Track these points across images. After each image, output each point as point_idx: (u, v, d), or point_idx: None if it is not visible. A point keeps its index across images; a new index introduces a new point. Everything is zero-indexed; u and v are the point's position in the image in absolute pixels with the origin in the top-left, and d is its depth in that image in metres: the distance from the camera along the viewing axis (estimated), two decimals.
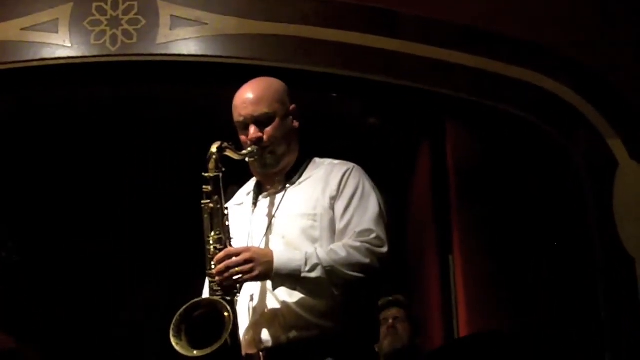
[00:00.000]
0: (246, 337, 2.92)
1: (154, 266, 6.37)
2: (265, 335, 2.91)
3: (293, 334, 2.89)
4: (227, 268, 2.80)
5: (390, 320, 4.63)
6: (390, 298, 4.64)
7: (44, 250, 6.18)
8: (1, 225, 5.98)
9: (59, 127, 5.63)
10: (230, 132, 3.13)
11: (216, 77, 4.41)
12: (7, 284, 4.51)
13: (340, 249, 2.86)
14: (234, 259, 2.80)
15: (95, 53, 4.24)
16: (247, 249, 2.84)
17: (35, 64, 4.28)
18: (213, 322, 2.76)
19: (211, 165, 2.92)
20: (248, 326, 2.94)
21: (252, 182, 3.19)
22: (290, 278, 2.83)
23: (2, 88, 4.55)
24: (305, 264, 2.82)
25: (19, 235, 6.02)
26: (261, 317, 2.93)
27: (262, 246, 2.96)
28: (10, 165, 5.85)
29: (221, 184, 2.92)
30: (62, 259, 6.23)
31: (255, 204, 3.10)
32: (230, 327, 2.75)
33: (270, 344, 2.90)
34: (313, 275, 2.82)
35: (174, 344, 2.74)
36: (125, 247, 6.38)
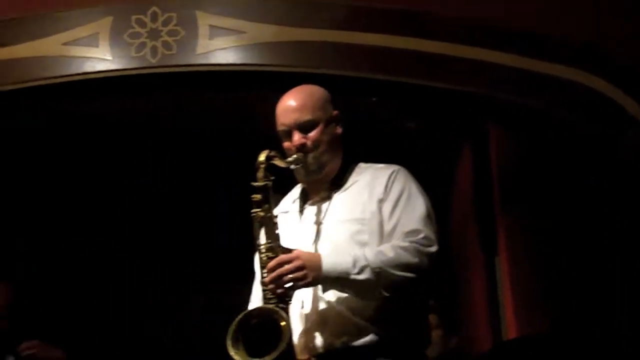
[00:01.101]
0: (298, 343, 2.92)
1: (181, 273, 6.38)
2: (317, 341, 2.92)
3: (345, 339, 2.89)
4: (280, 276, 2.81)
5: None
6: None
7: (65, 260, 6.21)
8: (19, 238, 6.04)
9: (97, 140, 5.66)
10: (272, 140, 3.13)
11: (256, 86, 4.43)
12: (26, 294, 4.55)
13: (389, 250, 2.86)
14: (286, 266, 2.81)
15: (136, 65, 4.27)
16: (297, 256, 2.84)
17: (76, 78, 4.32)
18: (268, 331, 2.77)
19: (260, 174, 2.92)
20: (300, 333, 2.94)
21: (297, 190, 3.19)
22: (339, 281, 2.83)
23: (44, 103, 4.60)
24: (354, 266, 2.82)
25: (37, 247, 6.09)
26: (312, 323, 2.94)
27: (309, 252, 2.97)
28: (38, 177, 5.90)
29: (270, 193, 2.93)
30: (85, 268, 6.25)
31: (301, 211, 3.11)
32: (288, 336, 2.76)
33: (322, 350, 2.91)
34: (362, 277, 2.81)
35: (232, 353, 2.75)
36: (152, 254, 6.39)
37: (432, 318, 4.71)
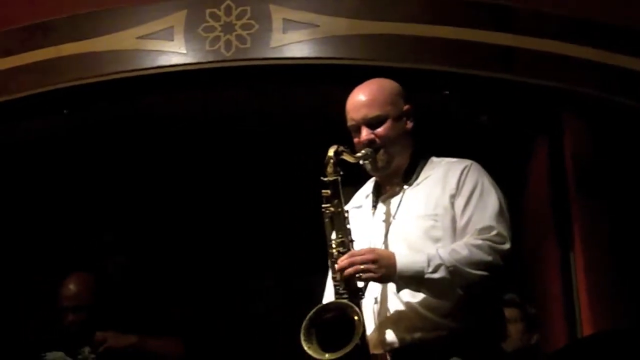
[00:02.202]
0: (372, 338, 2.91)
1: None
2: (390, 336, 2.91)
3: (418, 334, 2.88)
4: (351, 265, 2.81)
5: None
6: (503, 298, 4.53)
7: (153, 257, 6.28)
8: (109, 236, 6.13)
9: (171, 134, 5.70)
10: (345, 134, 3.13)
11: (329, 79, 4.42)
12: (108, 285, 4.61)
13: (462, 248, 2.84)
14: (357, 257, 2.81)
15: (211, 59, 4.30)
16: (370, 250, 2.85)
17: (151, 71, 4.37)
18: (342, 326, 2.78)
19: (329, 169, 2.93)
20: (373, 328, 2.94)
21: (370, 184, 3.19)
22: (413, 280, 2.82)
23: (119, 97, 4.65)
24: (428, 265, 2.81)
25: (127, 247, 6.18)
26: (386, 318, 2.93)
27: (384, 249, 2.96)
28: (120, 173, 5.97)
29: (340, 187, 2.92)
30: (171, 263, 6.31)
31: (374, 206, 3.11)
32: (361, 330, 2.76)
33: (396, 345, 2.91)
34: (437, 276, 2.80)
35: (305, 347, 2.76)
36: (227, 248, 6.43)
37: (514, 312, 4.65)
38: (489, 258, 2.83)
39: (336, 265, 2.86)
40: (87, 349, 4.34)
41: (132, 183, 6.10)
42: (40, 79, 4.48)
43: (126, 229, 6.23)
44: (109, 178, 5.99)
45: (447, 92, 4.65)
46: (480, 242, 2.86)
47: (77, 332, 4.35)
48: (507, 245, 2.89)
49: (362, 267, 2.80)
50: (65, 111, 4.67)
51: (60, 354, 4.35)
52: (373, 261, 2.81)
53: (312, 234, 3.17)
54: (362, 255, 2.82)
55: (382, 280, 2.86)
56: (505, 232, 2.90)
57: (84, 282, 4.42)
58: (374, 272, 2.81)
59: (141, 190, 6.18)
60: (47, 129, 5.14)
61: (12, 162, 5.44)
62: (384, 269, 2.81)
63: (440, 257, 2.82)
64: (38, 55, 4.49)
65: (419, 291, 2.86)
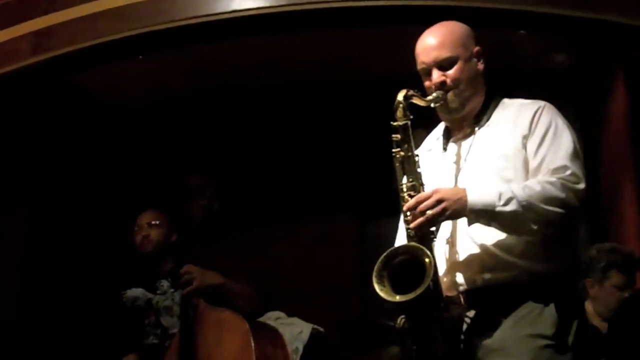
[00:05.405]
0: (445, 279, 2.92)
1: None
2: (463, 277, 2.91)
3: (490, 275, 2.87)
4: (421, 213, 2.81)
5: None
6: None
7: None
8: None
9: (247, 78, 5.71)
10: (414, 77, 3.11)
11: (401, 21, 4.39)
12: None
13: (535, 184, 2.82)
14: (425, 202, 2.81)
15: (283, 2, 4.31)
16: (436, 191, 2.83)
17: (225, 16, 4.39)
18: (414, 268, 2.78)
19: (399, 113, 2.91)
20: (446, 269, 2.94)
21: (440, 127, 3.17)
22: (484, 213, 2.81)
23: (193, 42, 4.69)
24: (499, 198, 2.79)
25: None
26: (458, 259, 2.93)
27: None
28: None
29: (410, 132, 2.92)
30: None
31: (445, 149, 3.10)
32: (432, 272, 2.76)
33: (468, 286, 2.91)
34: (508, 209, 2.78)
35: (377, 290, 2.78)
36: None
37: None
38: (563, 195, 2.81)
39: (407, 212, 2.86)
40: (165, 283, 4.39)
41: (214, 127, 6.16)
42: (115, 25, 4.54)
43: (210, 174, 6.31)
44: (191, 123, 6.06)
45: (522, 32, 4.59)
46: (554, 179, 2.83)
47: (152, 255, 4.40)
48: (581, 185, 2.86)
49: (430, 212, 2.80)
50: (140, 57, 4.73)
51: (140, 290, 4.42)
52: (439, 201, 2.79)
53: (386, 178, 3.17)
54: (427, 199, 2.81)
55: (453, 217, 2.85)
56: (579, 172, 2.87)
57: (158, 212, 4.50)
58: (443, 213, 2.81)
59: (223, 135, 6.24)
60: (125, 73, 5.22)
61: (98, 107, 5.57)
62: (453, 206, 2.80)
63: (512, 192, 2.80)
64: (113, 2, 4.55)
65: (489, 225, 2.83)
